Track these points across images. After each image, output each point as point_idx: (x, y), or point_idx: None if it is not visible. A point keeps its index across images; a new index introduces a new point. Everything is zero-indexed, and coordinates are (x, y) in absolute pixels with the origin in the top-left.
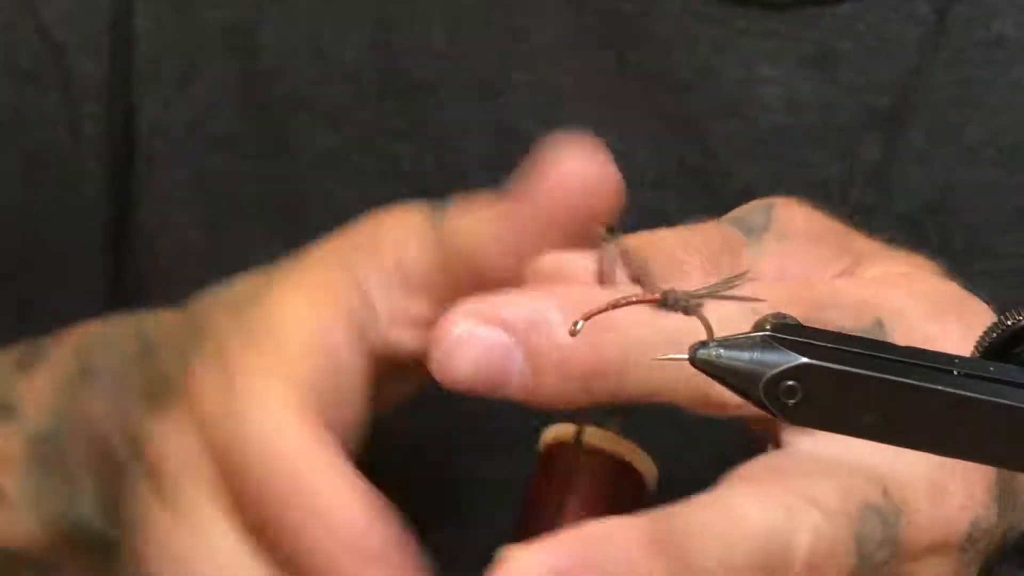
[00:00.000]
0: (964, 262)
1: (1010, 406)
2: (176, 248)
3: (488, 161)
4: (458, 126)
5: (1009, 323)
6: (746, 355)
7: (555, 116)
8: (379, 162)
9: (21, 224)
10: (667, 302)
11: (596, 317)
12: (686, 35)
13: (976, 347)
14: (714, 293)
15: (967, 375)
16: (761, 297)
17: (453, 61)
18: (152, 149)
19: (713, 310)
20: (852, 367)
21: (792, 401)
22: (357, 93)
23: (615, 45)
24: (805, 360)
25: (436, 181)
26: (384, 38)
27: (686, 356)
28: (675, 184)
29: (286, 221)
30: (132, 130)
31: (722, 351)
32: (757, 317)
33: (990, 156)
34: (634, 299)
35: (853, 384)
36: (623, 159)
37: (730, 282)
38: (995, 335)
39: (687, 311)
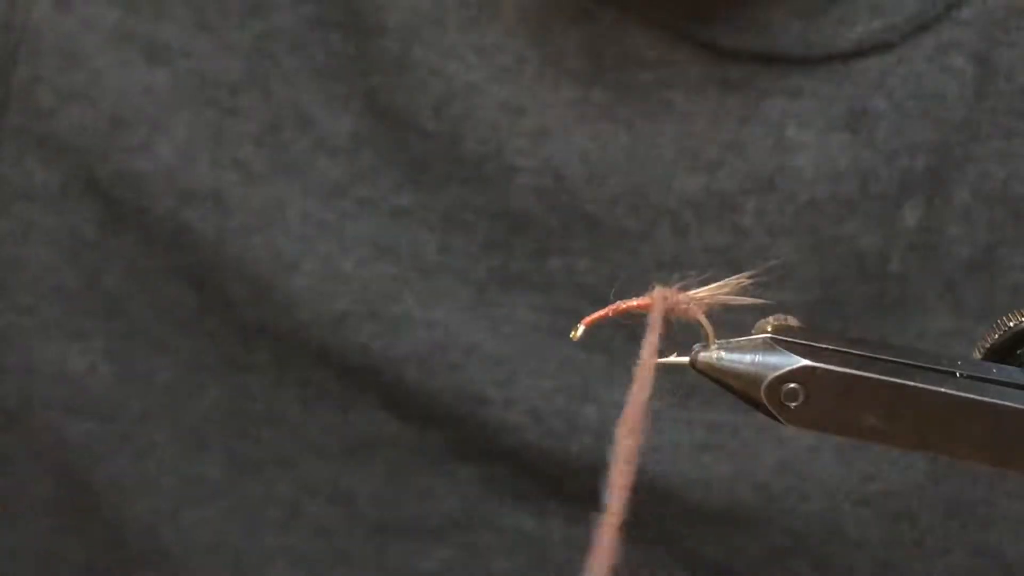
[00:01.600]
0: None
1: (1013, 408)
2: None
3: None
4: (461, 207)
5: (1011, 324)
6: (748, 358)
7: (562, 199)
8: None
9: None
10: (667, 305)
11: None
12: (709, 107)
13: (978, 349)
14: (714, 296)
15: (970, 377)
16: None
17: (449, 141)
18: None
19: None
20: (854, 369)
21: (794, 404)
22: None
23: (631, 119)
24: (807, 362)
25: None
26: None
27: (687, 359)
28: (698, 266)
29: None
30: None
31: (724, 354)
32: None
33: None
34: (635, 304)
35: (855, 386)
36: (639, 241)
37: (730, 283)
38: (997, 336)
39: (687, 314)
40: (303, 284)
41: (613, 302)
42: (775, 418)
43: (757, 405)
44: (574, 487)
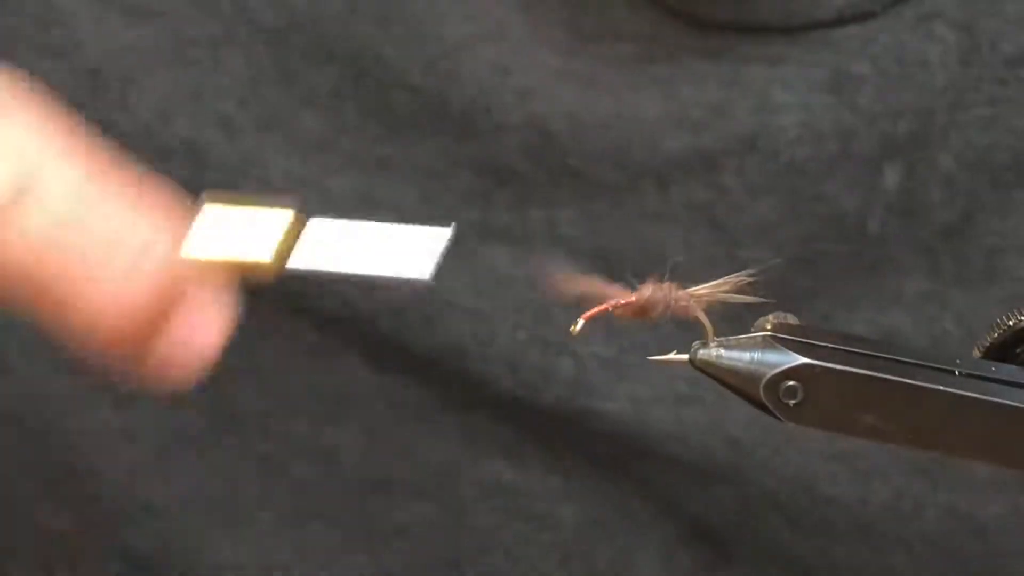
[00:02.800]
0: (981, 286)
1: (1012, 407)
2: None
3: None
4: (445, 161)
5: (1011, 323)
6: (747, 355)
7: (547, 154)
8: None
9: None
10: (667, 302)
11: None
12: (692, 75)
13: (978, 347)
14: (714, 293)
15: (969, 375)
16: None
17: (437, 97)
18: None
19: None
20: (853, 367)
21: (793, 401)
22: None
23: (615, 86)
24: (806, 360)
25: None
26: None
27: (687, 356)
28: (680, 221)
29: None
30: None
31: (723, 351)
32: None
33: (1012, 178)
34: (633, 299)
35: (854, 384)
36: (624, 194)
37: (730, 282)
38: (997, 335)
39: (687, 311)
40: None
41: (611, 299)
42: (774, 416)
43: (756, 403)
44: (551, 435)
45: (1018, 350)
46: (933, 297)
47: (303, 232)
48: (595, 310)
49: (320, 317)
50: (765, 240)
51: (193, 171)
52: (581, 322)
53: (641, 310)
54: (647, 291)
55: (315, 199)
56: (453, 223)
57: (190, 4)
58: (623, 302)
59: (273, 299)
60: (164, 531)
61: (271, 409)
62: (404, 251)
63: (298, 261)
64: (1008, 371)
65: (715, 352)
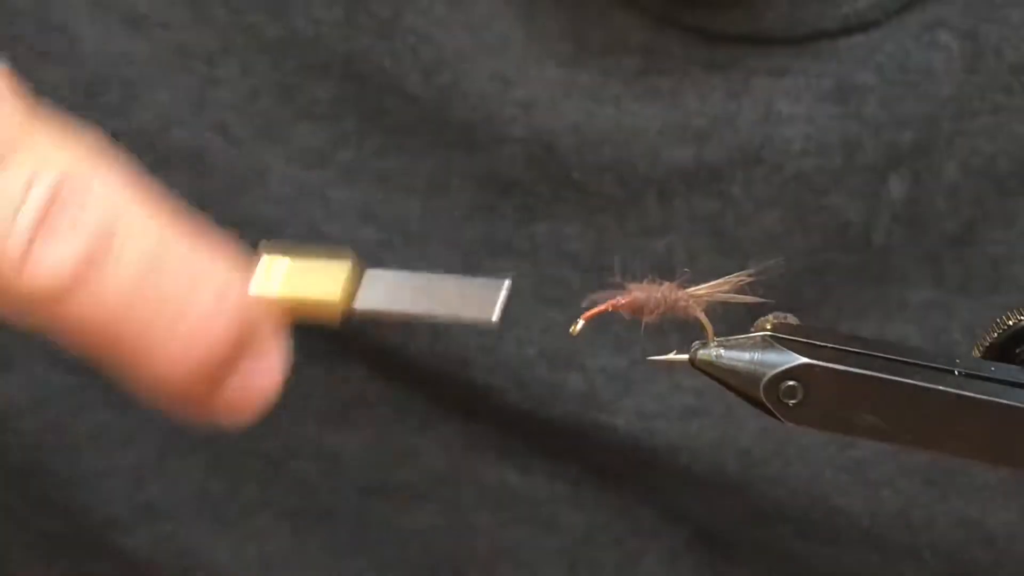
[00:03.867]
0: (987, 295)
1: (1011, 406)
2: None
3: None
4: (447, 173)
5: (1010, 323)
6: (746, 355)
7: (550, 167)
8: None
9: None
10: (667, 302)
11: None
12: (697, 86)
13: (977, 347)
14: (713, 293)
15: (968, 375)
16: None
17: (437, 108)
18: None
19: None
20: (853, 367)
21: (793, 401)
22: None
23: (619, 99)
24: (805, 360)
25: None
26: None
27: (687, 356)
28: (683, 233)
29: None
30: None
31: (722, 351)
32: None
33: (1017, 185)
34: (633, 299)
35: (854, 384)
36: (626, 207)
37: (729, 282)
38: (996, 335)
39: (687, 311)
40: None
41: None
42: (774, 416)
43: (756, 403)
44: (558, 446)
45: (1018, 350)
46: (939, 306)
47: (363, 278)
48: (595, 310)
49: (327, 326)
50: (770, 251)
51: (193, 179)
52: (581, 322)
53: (640, 310)
54: (646, 291)
55: (315, 210)
56: (511, 276)
57: (189, 15)
58: (623, 302)
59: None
60: (165, 533)
61: (275, 412)
62: (466, 297)
63: (363, 303)
64: (1008, 371)
65: (715, 352)
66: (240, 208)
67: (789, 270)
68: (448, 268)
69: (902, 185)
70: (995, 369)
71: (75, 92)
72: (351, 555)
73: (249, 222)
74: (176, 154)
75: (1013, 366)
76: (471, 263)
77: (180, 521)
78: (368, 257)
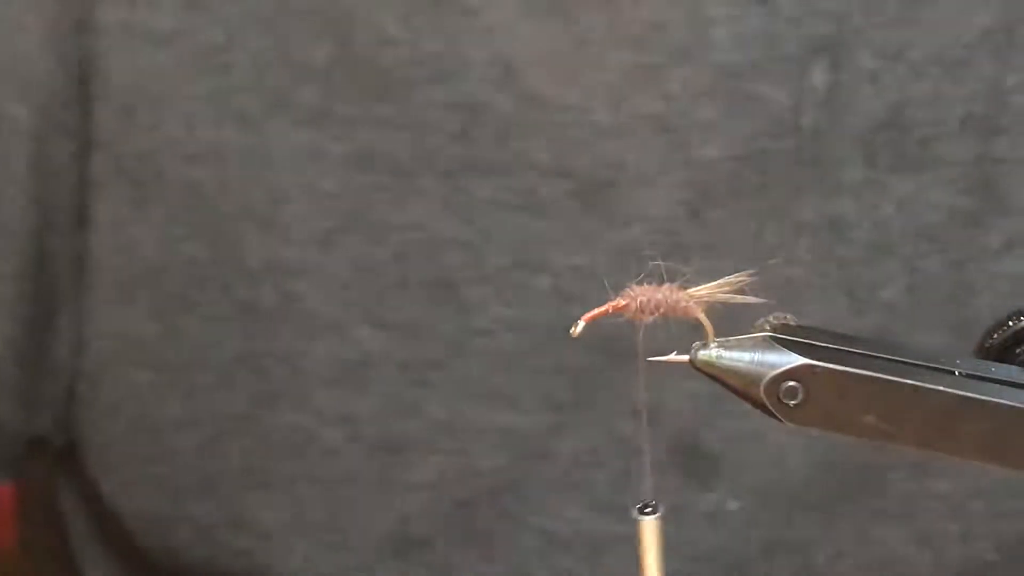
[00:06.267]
0: (917, 172)
1: (1012, 407)
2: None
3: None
4: (426, 107)
5: (1010, 324)
6: (747, 356)
7: (513, 86)
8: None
9: None
10: (667, 302)
11: None
12: None
13: (977, 347)
14: (714, 293)
15: (969, 375)
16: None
17: (410, 47)
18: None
19: None
20: (853, 367)
21: (793, 402)
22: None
23: (568, 11)
24: (806, 361)
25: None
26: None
27: (687, 357)
28: (634, 132)
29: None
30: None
31: (723, 352)
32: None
33: (936, 71)
34: (633, 300)
35: (854, 384)
36: (582, 113)
37: (730, 282)
38: (996, 336)
39: (687, 311)
40: (294, 212)
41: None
42: (775, 416)
43: (757, 403)
44: (540, 379)
45: (1018, 350)
46: (873, 184)
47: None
48: (595, 312)
49: (333, 283)
50: (713, 140)
51: (217, 168)
52: (581, 324)
53: (640, 311)
54: (646, 292)
55: (317, 165)
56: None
57: (200, 17)
58: (623, 303)
59: (291, 275)
60: (221, 501)
61: (300, 385)
62: None
63: None
64: (1008, 371)
65: (715, 353)
66: (252, 183)
67: (731, 156)
68: (433, 196)
69: (823, 73)
70: (995, 369)
71: (114, 119)
72: (374, 508)
73: (262, 196)
74: (199, 152)
75: (1013, 366)
76: (453, 186)
77: (234, 493)
78: (363, 202)
